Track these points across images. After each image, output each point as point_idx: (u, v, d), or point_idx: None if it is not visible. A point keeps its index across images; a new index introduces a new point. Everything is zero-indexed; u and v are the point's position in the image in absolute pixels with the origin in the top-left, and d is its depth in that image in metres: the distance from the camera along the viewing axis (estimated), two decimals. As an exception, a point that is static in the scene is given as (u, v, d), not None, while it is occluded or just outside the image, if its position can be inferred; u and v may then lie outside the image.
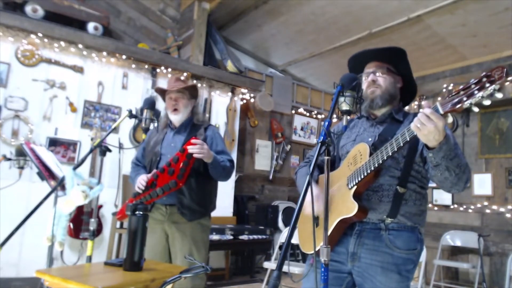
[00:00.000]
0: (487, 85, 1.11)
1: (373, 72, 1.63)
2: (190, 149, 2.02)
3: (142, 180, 2.16)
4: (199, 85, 4.60)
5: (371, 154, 1.43)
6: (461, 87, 1.17)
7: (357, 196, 1.44)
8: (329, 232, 1.45)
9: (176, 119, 2.35)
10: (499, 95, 1.11)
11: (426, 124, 1.20)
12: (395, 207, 1.48)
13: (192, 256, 2.08)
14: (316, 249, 1.34)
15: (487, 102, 1.14)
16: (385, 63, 1.65)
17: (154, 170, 2.18)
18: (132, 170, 2.44)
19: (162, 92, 2.41)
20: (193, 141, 2.04)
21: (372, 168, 1.38)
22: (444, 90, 5.09)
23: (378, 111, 1.64)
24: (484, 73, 1.13)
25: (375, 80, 1.62)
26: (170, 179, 2.06)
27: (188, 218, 2.18)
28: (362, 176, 1.41)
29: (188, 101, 2.36)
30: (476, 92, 1.13)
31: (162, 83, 4.57)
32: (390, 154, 1.34)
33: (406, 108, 1.77)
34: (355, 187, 1.44)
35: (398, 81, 1.67)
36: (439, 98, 5.11)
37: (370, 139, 1.59)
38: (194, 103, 2.42)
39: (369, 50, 1.69)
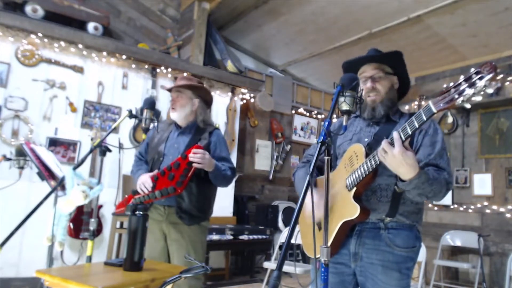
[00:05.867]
0: (477, 82, 1.13)
1: (371, 77, 1.61)
2: (192, 157, 2.00)
3: (146, 182, 2.13)
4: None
5: (366, 155, 1.43)
6: (451, 84, 1.19)
7: (357, 197, 1.44)
8: (332, 236, 1.46)
9: (174, 117, 2.31)
10: (489, 91, 1.15)
11: (388, 152, 1.29)
12: (394, 207, 1.49)
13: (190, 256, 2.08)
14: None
15: (478, 98, 1.17)
16: (382, 65, 1.63)
17: (156, 171, 2.16)
18: (134, 164, 2.42)
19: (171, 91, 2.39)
20: (194, 150, 2.01)
21: (371, 169, 1.39)
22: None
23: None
24: (474, 70, 1.15)
25: (374, 87, 1.60)
26: (169, 184, 2.04)
27: (186, 222, 2.16)
28: (361, 178, 1.41)
29: (188, 101, 2.30)
30: (466, 89, 1.15)
31: (162, 83, 4.58)
32: None
33: (406, 107, 1.78)
34: (355, 188, 1.44)
35: (395, 81, 1.66)
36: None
37: (366, 139, 1.59)
38: (198, 103, 2.32)
39: (365, 57, 1.65)
